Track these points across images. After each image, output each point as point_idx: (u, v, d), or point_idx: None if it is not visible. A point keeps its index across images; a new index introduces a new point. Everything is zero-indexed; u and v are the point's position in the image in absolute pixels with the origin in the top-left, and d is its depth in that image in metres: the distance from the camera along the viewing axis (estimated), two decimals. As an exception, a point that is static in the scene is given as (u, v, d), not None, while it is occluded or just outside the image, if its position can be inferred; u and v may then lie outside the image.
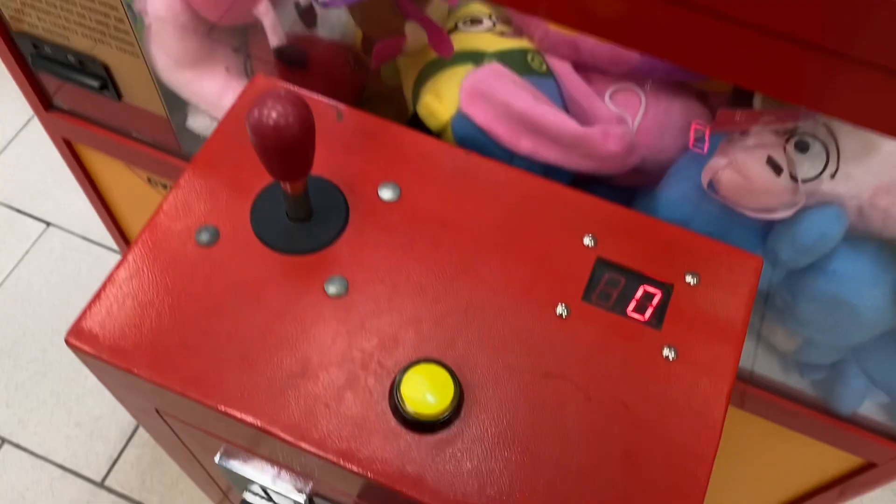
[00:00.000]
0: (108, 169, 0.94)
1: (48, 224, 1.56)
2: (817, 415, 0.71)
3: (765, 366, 0.72)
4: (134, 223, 1.04)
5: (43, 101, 0.83)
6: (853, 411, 0.70)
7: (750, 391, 0.72)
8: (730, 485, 0.88)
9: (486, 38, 0.62)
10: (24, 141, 1.66)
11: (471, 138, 0.59)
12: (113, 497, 1.30)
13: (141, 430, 1.35)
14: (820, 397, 0.71)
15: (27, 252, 1.52)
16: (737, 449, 0.78)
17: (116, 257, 1.51)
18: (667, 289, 0.53)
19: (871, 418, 0.70)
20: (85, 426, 1.35)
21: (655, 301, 0.53)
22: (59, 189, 1.59)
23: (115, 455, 1.33)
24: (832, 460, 0.77)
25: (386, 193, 0.56)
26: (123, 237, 1.09)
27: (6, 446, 1.33)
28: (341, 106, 0.59)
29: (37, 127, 1.67)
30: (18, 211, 1.57)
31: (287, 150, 0.46)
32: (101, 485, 1.31)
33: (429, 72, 0.62)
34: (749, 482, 0.88)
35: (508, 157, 0.59)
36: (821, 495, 0.86)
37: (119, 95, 0.77)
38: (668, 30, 0.43)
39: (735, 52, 0.43)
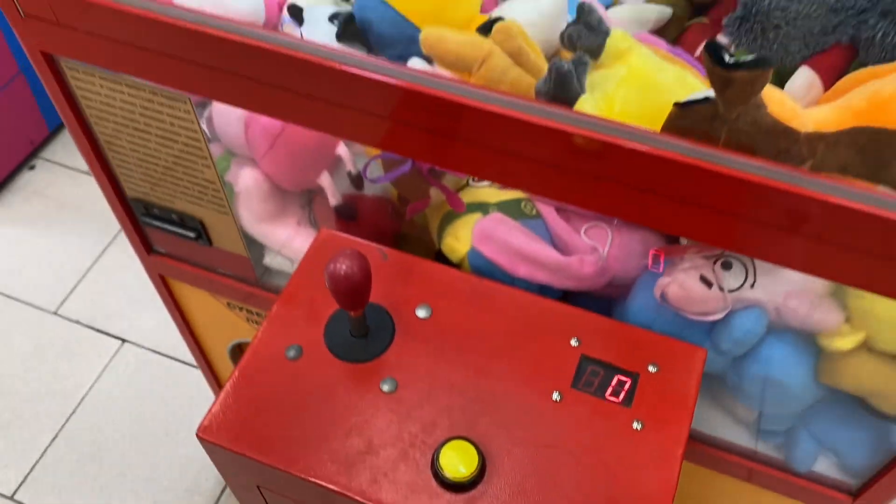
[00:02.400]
0: (193, 296, 1.14)
1: (123, 341, 1.77)
2: (781, 473, 0.87)
3: (735, 434, 0.88)
4: (211, 337, 1.24)
5: (146, 247, 1.05)
6: (809, 469, 0.85)
7: (725, 457, 0.88)
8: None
9: (489, 192, 0.82)
10: (101, 268, 1.90)
11: (482, 268, 0.79)
12: (187, 584, 1.45)
13: (209, 522, 1.51)
14: (781, 458, 0.87)
15: (106, 367, 1.73)
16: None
17: (183, 367, 1.71)
18: (635, 377, 0.71)
19: (826, 475, 0.86)
20: (161, 520, 1.52)
21: (627, 386, 0.71)
22: (132, 309, 1.81)
23: (187, 546, 1.49)
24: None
25: (422, 312, 0.75)
26: (201, 349, 1.29)
27: (92, 541, 1.50)
28: (385, 249, 0.79)
29: (111, 255, 1.91)
30: (97, 330, 1.79)
31: (353, 292, 0.66)
32: (176, 573, 1.46)
33: (448, 219, 0.82)
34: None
35: (511, 280, 0.79)
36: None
37: (210, 242, 0.98)
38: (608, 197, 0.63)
39: (670, 215, 0.62)
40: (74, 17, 0.72)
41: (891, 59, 0.76)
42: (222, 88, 0.72)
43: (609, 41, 0.74)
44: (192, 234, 0.97)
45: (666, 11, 0.98)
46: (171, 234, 1.00)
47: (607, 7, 1.00)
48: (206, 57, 0.69)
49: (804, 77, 0.80)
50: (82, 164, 2.07)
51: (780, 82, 0.83)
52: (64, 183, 2.06)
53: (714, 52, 0.59)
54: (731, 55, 0.60)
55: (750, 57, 0.59)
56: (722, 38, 0.88)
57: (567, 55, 0.82)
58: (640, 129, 0.60)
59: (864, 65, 0.78)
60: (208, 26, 0.67)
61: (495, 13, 0.85)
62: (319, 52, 0.64)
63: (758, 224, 0.59)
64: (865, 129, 0.64)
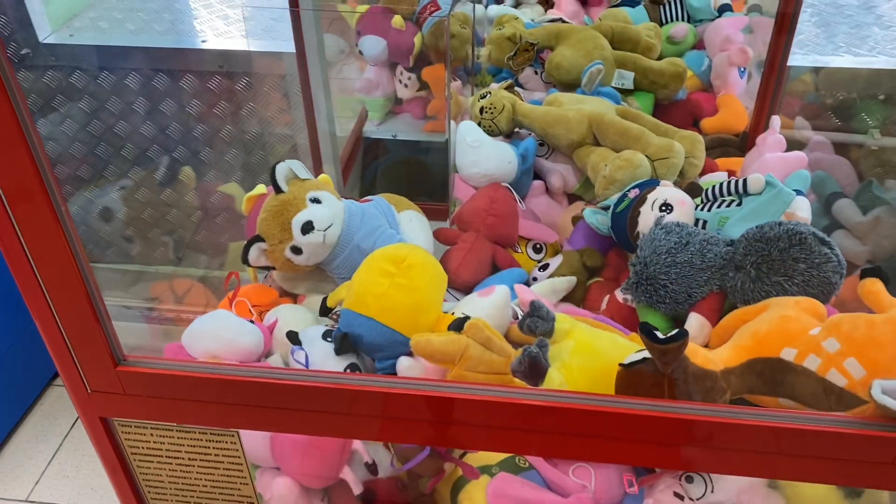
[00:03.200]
0: None
1: None
2: None
3: None
4: None
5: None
6: None
7: None
8: None
9: (487, 454, 1.01)
10: None
11: (500, 523, 0.95)
12: None
13: None
14: None
15: None
16: None
17: None
18: (647, 586, 0.88)
19: None
20: None
21: None
22: None
23: None
24: None
25: (463, 574, 0.89)
26: None
27: None
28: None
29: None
30: None
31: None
32: None
33: (460, 485, 0.99)
34: None
35: (526, 528, 0.95)
36: None
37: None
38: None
39: (634, 454, 0.83)
40: (140, 387, 0.87)
41: (750, 300, 1.04)
42: (268, 420, 0.89)
43: (557, 325, 0.98)
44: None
45: (572, 280, 1.26)
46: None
47: (528, 284, 1.27)
48: (253, 399, 0.86)
49: (696, 321, 1.07)
50: (18, 493, 2.05)
51: (679, 324, 1.11)
52: (-2, 515, 2.02)
53: (648, 333, 0.83)
54: (656, 329, 0.85)
55: (674, 332, 0.83)
56: (621, 295, 1.16)
57: (517, 333, 1.06)
58: (601, 395, 0.82)
59: (734, 305, 1.07)
60: (255, 377, 0.84)
61: (457, 312, 1.08)
62: (330, 378, 0.84)
63: (699, 448, 0.81)
64: (758, 360, 0.90)
